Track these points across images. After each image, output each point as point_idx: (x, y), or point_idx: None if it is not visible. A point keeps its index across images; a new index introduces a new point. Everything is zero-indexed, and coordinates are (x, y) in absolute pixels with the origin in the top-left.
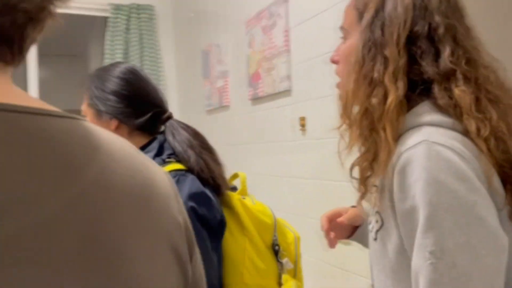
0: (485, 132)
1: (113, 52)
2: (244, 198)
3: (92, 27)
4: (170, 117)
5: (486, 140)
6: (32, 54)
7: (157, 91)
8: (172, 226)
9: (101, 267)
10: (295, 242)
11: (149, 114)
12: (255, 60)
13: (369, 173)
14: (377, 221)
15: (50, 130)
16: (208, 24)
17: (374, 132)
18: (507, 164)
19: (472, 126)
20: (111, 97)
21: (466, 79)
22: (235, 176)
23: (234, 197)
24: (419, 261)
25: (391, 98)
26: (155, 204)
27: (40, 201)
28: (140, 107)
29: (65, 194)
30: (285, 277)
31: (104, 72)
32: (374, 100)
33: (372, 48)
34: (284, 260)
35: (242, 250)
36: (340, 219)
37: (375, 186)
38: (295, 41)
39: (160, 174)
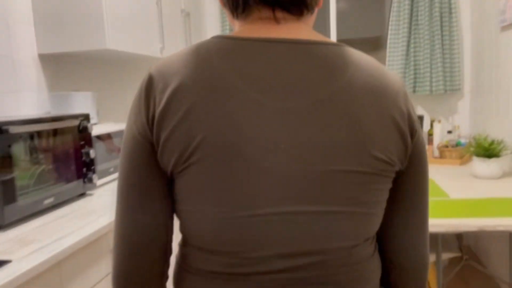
0: None
1: None
2: None
3: None
4: None
5: None
6: None
7: None
8: (396, 111)
9: (348, 127)
10: None
11: None
12: None
13: None
14: None
15: (324, 53)
16: None
17: None
18: None
19: None
20: None
21: None
22: None
23: None
24: None
25: None
26: (386, 97)
27: (318, 88)
28: None
29: (331, 87)
30: None
31: None
32: None
33: None
34: None
35: None
36: None
37: None
38: None
39: (394, 79)
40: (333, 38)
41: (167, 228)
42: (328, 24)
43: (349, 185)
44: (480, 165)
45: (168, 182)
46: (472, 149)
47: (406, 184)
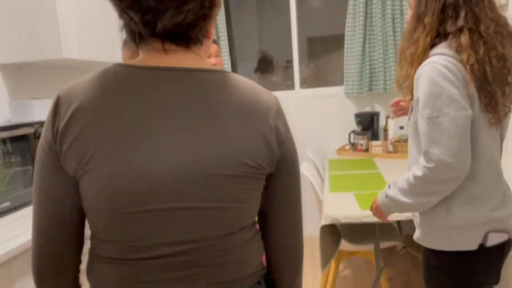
0: (472, 60)
1: None
2: None
3: None
4: None
5: (471, 65)
6: None
7: None
8: (264, 126)
9: (221, 139)
10: None
11: None
12: None
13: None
14: (411, 109)
15: (204, 78)
16: None
17: (411, 65)
18: (483, 80)
19: (464, 57)
20: None
21: (471, 31)
22: None
23: None
24: (421, 123)
25: (419, 49)
26: (256, 114)
27: (196, 107)
28: None
29: (207, 106)
30: None
31: None
32: (412, 50)
33: (417, 19)
34: None
35: None
36: (401, 103)
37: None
38: None
39: (267, 99)
40: (294, 36)
41: (75, 227)
42: (289, 23)
43: (222, 185)
44: None
45: (74, 184)
46: None
47: (277, 183)
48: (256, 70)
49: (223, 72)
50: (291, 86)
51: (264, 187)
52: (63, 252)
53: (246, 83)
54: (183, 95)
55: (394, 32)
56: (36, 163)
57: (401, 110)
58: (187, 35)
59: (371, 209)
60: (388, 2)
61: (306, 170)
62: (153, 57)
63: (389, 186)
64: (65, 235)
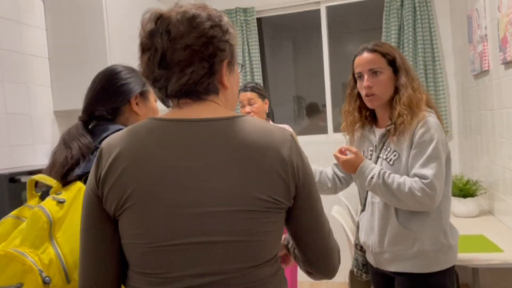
0: None
1: (389, 27)
2: None
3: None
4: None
5: None
6: (324, 36)
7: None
8: (278, 162)
9: (237, 178)
10: None
11: None
12: (503, 23)
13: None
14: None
15: (218, 125)
16: None
17: None
18: None
19: None
20: None
21: None
22: None
23: None
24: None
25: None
26: (269, 152)
27: (214, 151)
28: None
29: (224, 150)
30: None
31: None
32: None
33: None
34: None
35: None
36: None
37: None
38: None
39: (280, 137)
40: (327, 81)
41: (113, 261)
42: (322, 66)
43: (241, 220)
44: (457, 204)
45: (114, 224)
46: None
47: (299, 216)
48: (306, 115)
49: (239, 117)
50: (326, 130)
51: (288, 220)
52: (103, 283)
53: (261, 124)
54: (202, 141)
55: (426, 78)
56: (82, 206)
57: None
58: (196, 90)
59: (344, 160)
60: (420, 49)
61: (337, 213)
62: (173, 111)
63: (387, 174)
64: (105, 268)
